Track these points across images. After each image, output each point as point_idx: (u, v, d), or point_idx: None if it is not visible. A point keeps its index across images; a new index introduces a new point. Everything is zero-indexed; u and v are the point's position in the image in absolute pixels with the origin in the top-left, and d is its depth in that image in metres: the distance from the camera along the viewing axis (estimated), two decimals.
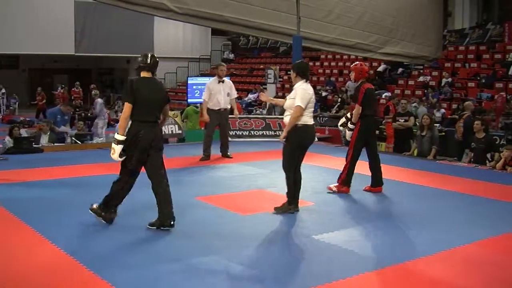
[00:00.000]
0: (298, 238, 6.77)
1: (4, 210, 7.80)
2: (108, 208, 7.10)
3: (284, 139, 7.73)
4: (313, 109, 7.89)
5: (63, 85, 29.78)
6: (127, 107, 6.77)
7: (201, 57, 35.78)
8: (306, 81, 7.79)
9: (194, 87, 16.56)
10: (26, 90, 35.47)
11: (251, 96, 27.32)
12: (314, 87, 26.32)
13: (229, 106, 12.60)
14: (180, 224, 7.16)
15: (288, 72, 24.22)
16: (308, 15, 17.27)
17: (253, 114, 20.33)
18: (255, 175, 10.77)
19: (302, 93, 7.65)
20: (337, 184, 9.33)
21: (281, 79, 26.36)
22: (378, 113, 9.65)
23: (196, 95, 16.39)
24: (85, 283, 5.25)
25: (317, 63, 30.09)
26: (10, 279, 5.31)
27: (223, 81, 12.41)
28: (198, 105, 16.63)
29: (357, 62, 9.51)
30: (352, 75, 9.35)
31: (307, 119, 7.73)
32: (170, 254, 6.04)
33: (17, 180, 9.99)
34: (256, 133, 15.84)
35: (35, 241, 6.52)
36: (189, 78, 18.31)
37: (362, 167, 9.61)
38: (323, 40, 18.22)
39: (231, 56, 36.69)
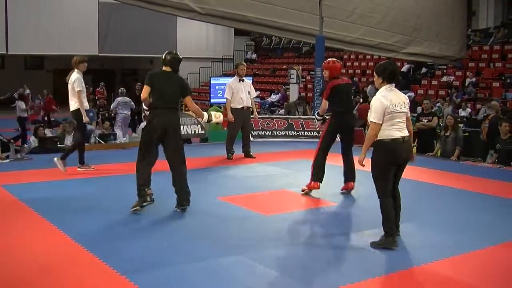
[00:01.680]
0: (321, 239, 6.77)
1: (29, 209, 7.88)
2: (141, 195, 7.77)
3: (363, 163, 6.54)
4: (402, 119, 6.48)
5: (87, 85, 29.91)
6: (145, 88, 7.77)
7: (224, 57, 35.84)
8: (390, 87, 6.50)
9: (217, 87, 16.65)
10: (51, 90, 35.74)
11: (274, 97, 27.33)
12: None
13: (250, 105, 12.66)
14: (203, 224, 7.20)
15: (311, 72, 24.24)
16: (331, 15, 17.27)
17: (275, 114, 20.30)
18: (277, 175, 10.77)
19: (375, 105, 6.42)
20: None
21: (303, 79, 26.36)
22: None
23: (219, 95, 16.46)
24: (109, 282, 5.30)
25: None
26: (36, 277, 5.37)
27: (243, 80, 12.48)
28: (221, 106, 16.68)
29: (329, 60, 9.34)
30: (326, 73, 9.21)
31: (392, 132, 6.40)
32: (193, 253, 6.06)
33: (41, 180, 10.08)
34: (279, 133, 15.82)
35: (59, 240, 6.58)
36: (212, 78, 18.42)
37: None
38: (345, 40, 18.22)
39: (254, 56, 36.72)
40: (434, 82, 24.10)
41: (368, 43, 18.69)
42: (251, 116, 13.05)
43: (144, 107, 8.21)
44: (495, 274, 5.72)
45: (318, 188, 8.99)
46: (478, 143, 14.92)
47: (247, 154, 12.68)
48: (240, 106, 12.38)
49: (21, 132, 17.98)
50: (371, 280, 5.42)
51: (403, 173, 6.65)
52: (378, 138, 6.41)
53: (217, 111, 16.11)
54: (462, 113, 19.18)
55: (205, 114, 8.46)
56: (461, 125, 15.65)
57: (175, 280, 5.34)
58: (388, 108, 6.34)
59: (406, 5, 19.14)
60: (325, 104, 9.03)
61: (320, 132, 15.71)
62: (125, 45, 31.02)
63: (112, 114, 19.51)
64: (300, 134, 15.80)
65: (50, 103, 25.71)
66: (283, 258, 6.04)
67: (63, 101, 14.37)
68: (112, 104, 19.47)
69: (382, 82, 6.52)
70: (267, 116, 17.35)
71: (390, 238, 6.37)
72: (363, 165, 6.49)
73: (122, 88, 20.49)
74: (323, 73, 9.41)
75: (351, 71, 28.54)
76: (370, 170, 6.48)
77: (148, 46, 31.35)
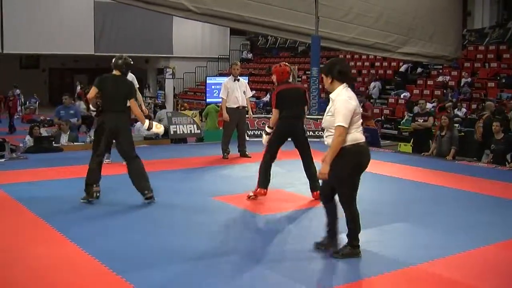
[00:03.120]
0: (316, 238, 6.74)
1: (24, 208, 7.86)
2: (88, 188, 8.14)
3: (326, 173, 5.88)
4: (361, 121, 5.97)
5: (82, 84, 29.94)
6: (92, 89, 8.25)
7: (219, 57, 35.84)
8: (346, 87, 5.95)
9: (213, 86, 16.65)
10: (46, 89, 35.73)
11: (269, 96, 27.33)
12: None
13: (245, 105, 12.66)
14: (198, 223, 7.20)
15: (307, 72, 24.26)
16: (326, 14, 17.29)
17: (271, 114, 20.29)
18: (273, 174, 10.76)
19: (342, 107, 5.75)
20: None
21: (299, 79, 26.35)
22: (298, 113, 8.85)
23: (214, 94, 16.45)
24: (106, 283, 5.28)
25: None
26: (30, 278, 5.36)
27: (238, 80, 12.47)
28: (218, 105, 16.67)
29: (279, 63, 9.22)
30: (274, 77, 8.98)
31: (358, 135, 5.88)
32: (188, 253, 6.06)
33: (37, 179, 10.06)
34: None
35: (55, 239, 6.57)
36: (207, 77, 18.38)
37: (376, 167, 9.56)
38: (341, 39, 18.25)
39: (250, 55, 36.73)
40: (430, 82, 24.11)
41: (363, 43, 18.72)
42: (247, 115, 13.05)
43: (91, 107, 8.59)
44: (491, 274, 5.72)
45: (265, 194, 8.68)
46: (473, 143, 14.94)
47: (243, 154, 12.68)
48: (235, 106, 12.37)
49: None
50: (367, 279, 5.43)
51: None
52: (345, 144, 5.79)
53: (216, 111, 16.24)
54: (457, 112, 19.20)
55: (147, 121, 8.52)
56: (456, 125, 15.66)
57: (170, 279, 5.34)
58: (357, 109, 5.85)
59: (402, 5, 19.17)
60: (276, 113, 8.70)
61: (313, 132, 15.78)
62: (121, 44, 30.94)
63: None
64: None
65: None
66: (278, 258, 6.02)
67: (58, 99, 14.35)
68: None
69: (332, 82, 5.93)
70: (262, 115, 17.33)
71: (357, 250, 6.06)
72: (326, 178, 5.91)
73: None
74: (272, 77, 9.15)
75: None
76: (333, 177, 5.90)
77: (144, 46, 31.34)
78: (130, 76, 11.56)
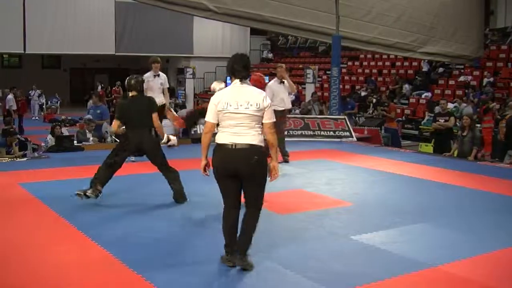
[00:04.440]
0: (336, 238, 6.74)
1: (46, 207, 7.92)
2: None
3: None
4: (236, 121, 5.43)
5: (102, 84, 30.10)
6: (115, 122, 8.45)
7: None
8: (240, 81, 5.64)
9: None
10: (67, 89, 35.94)
11: (290, 96, 27.29)
12: (353, 87, 26.31)
13: (290, 107, 12.28)
14: (218, 223, 7.20)
15: (327, 72, 24.23)
16: (347, 14, 17.25)
17: (291, 114, 20.25)
18: (294, 174, 10.76)
19: (210, 102, 5.62)
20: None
21: (320, 79, 26.31)
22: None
23: None
24: (127, 283, 5.31)
25: (356, 63, 29.95)
26: (48, 276, 5.40)
27: (283, 82, 11.99)
28: None
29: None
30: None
31: (219, 136, 5.54)
32: (208, 252, 6.06)
33: (58, 178, 10.13)
34: (295, 133, 15.77)
35: (74, 238, 6.62)
36: (228, 77, 18.32)
37: (397, 167, 9.50)
38: (362, 39, 18.18)
39: (270, 55, 36.70)
40: (451, 82, 23.97)
41: (384, 42, 18.63)
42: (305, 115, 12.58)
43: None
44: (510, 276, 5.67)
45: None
46: (495, 143, 14.81)
47: (283, 156, 11.99)
48: (281, 108, 11.78)
49: None
50: (387, 280, 5.39)
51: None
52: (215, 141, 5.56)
53: None
54: None
55: (165, 135, 8.90)
56: (478, 125, 15.53)
57: (190, 278, 5.34)
58: (226, 106, 5.45)
59: (423, 4, 19.06)
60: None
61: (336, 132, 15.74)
62: (142, 44, 31.06)
63: None
64: (316, 133, 15.75)
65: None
66: (298, 258, 6.00)
67: (79, 99, 14.45)
68: None
69: (231, 78, 5.73)
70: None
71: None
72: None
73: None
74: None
75: (367, 70, 28.45)
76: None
77: (164, 46, 31.40)
78: (163, 76, 11.76)
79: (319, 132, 15.81)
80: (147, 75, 11.66)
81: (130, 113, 8.24)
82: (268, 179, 5.68)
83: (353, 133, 15.80)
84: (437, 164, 12.13)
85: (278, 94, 11.80)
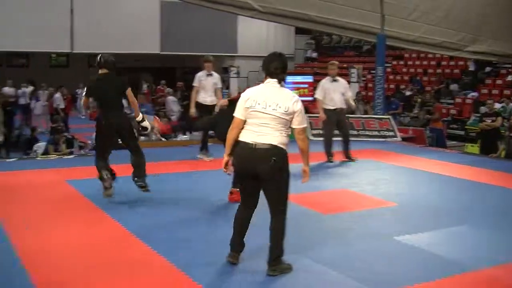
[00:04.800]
0: (380, 239, 6.70)
1: (92, 204, 8.06)
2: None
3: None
4: (261, 121, 5.35)
5: (148, 83, 30.39)
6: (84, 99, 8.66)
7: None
8: (267, 80, 5.49)
9: None
10: None
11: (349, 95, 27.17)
12: (397, 86, 26.02)
13: (345, 106, 11.99)
14: (262, 222, 7.22)
15: (372, 71, 24.08)
16: (392, 13, 17.10)
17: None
18: (338, 174, 10.74)
19: (240, 97, 5.54)
20: None
21: (364, 79, 26.16)
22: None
23: None
24: (172, 280, 5.36)
25: (401, 62, 29.66)
26: (92, 269, 5.50)
27: (336, 80, 11.88)
28: None
29: None
30: None
31: (245, 134, 5.44)
32: (252, 251, 6.08)
33: None
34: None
35: (118, 234, 6.74)
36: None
37: (442, 168, 9.40)
38: (407, 38, 18.01)
39: (314, 54, 36.56)
40: (499, 82, 23.60)
41: (430, 41, 18.41)
42: (350, 115, 12.17)
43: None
44: None
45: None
46: None
47: (347, 157, 11.99)
48: (332, 108, 11.74)
49: None
50: (431, 282, 5.35)
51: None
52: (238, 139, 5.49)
53: None
54: None
55: (140, 114, 8.68)
56: None
57: (234, 278, 5.39)
58: (254, 104, 5.36)
59: (470, 2, 18.79)
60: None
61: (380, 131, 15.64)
62: (186, 43, 31.23)
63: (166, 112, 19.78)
64: (361, 133, 15.65)
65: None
66: (342, 258, 5.99)
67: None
68: (169, 106, 20.01)
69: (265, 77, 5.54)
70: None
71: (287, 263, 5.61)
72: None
73: (169, 88, 20.82)
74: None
75: (412, 70, 28.17)
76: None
77: (209, 45, 31.51)
78: (216, 76, 11.97)
79: (363, 132, 15.71)
80: (200, 74, 11.77)
81: (100, 92, 8.34)
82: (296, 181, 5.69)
83: (397, 133, 15.68)
84: (483, 165, 11.95)
85: (329, 93, 11.72)
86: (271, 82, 5.44)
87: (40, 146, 13.92)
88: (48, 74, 30.22)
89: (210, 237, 6.64)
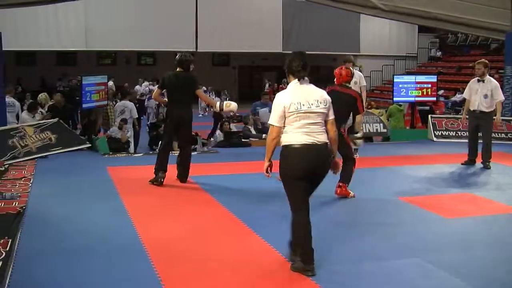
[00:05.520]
0: (503, 246, 6.45)
1: (214, 200, 8.25)
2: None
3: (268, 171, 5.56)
4: (311, 120, 5.40)
5: (269, 82, 30.73)
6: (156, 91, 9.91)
7: (407, 55, 35.18)
8: (299, 81, 5.51)
9: (400, 85, 16.28)
10: (236, 86, 36.98)
11: (458, 96, 26.45)
12: None
13: (487, 110, 11.25)
14: (380, 223, 7.16)
15: (500, 71, 23.22)
16: None
17: (460, 114, 19.64)
18: (460, 177, 10.46)
19: (274, 105, 5.52)
20: None
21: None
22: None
23: (402, 93, 16.11)
24: (291, 280, 5.38)
25: None
26: (218, 268, 5.63)
27: (483, 81, 11.32)
28: (401, 104, 16.44)
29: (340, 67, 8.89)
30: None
31: (293, 137, 5.40)
32: (370, 252, 6.05)
33: (225, 172, 10.51)
34: (464, 134, 15.24)
35: (242, 231, 6.86)
36: (395, 76, 18.04)
37: None
38: None
39: (439, 54, 35.71)
40: None
41: None
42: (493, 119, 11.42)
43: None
44: None
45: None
46: None
47: (484, 163, 11.32)
48: (472, 109, 11.40)
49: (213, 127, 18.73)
50: None
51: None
52: (282, 144, 5.48)
53: (398, 111, 16.03)
54: None
55: (217, 103, 9.55)
56: None
57: (351, 278, 5.37)
58: (296, 105, 5.36)
59: None
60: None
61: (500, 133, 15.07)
62: (308, 42, 31.32)
63: None
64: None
65: None
66: (464, 265, 5.78)
67: (247, 96, 14.81)
68: None
69: (289, 77, 5.63)
70: (451, 116, 16.80)
71: (296, 257, 5.53)
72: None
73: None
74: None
75: None
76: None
77: (330, 44, 31.52)
78: (357, 74, 12.10)
79: (493, 134, 15.16)
80: None
81: (173, 88, 9.27)
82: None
83: None
84: None
85: (472, 94, 11.38)
86: (297, 83, 5.50)
87: None
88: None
89: (324, 238, 6.62)
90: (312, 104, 5.38)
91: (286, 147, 5.39)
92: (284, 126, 5.40)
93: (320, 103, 5.43)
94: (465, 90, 11.73)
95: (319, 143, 5.38)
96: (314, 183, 5.53)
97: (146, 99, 23.79)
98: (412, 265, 5.69)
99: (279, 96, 5.48)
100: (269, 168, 5.52)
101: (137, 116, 15.17)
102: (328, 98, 5.54)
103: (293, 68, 5.50)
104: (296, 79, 5.49)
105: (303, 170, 5.35)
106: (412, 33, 34.83)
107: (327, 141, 5.47)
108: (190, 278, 5.35)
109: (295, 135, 5.37)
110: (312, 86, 5.56)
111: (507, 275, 5.55)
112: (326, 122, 5.52)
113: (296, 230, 5.50)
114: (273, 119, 5.42)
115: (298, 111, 5.34)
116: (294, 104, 5.34)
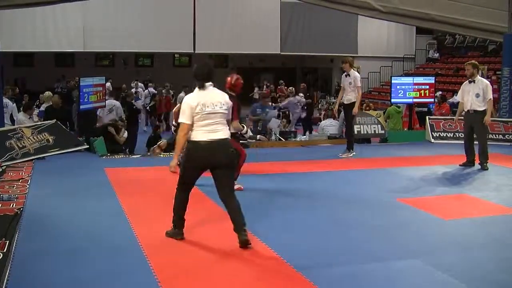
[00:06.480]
0: (502, 248, 6.45)
1: (211, 201, 8.21)
2: None
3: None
4: (214, 120, 6.27)
5: (268, 83, 30.74)
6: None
7: (405, 56, 35.20)
8: (202, 87, 6.42)
9: (398, 87, 16.30)
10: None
11: (456, 97, 26.47)
12: None
13: (479, 109, 11.35)
14: (381, 225, 7.16)
15: (497, 72, 23.26)
16: None
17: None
18: (459, 179, 10.46)
19: (183, 105, 6.35)
20: None
21: (489, 80, 25.30)
22: None
23: (399, 95, 16.13)
24: (289, 280, 5.38)
25: None
26: (220, 279, 5.61)
27: (474, 81, 11.45)
28: (400, 106, 16.47)
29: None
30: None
31: (198, 134, 6.24)
32: (370, 254, 6.05)
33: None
34: (461, 135, 15.23)
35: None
36: (393, 77, 18.05)
37: None
38: None
39: (436, 55, 35.72)
40: None
41: None
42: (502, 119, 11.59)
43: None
44: None
45: None
46: None
47: (481, 164, 11.39)
48: (465, 109, 11.53)
49: None
50: None
51: None
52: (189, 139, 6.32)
53: (396, 112, 16.06)
54: None
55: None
56: None
57: (351, 279, 5.35)
58: (203, 107, 6.25)
59: None
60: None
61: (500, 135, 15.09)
62: (306, 44, 31.39)
63: (287, 113, 19.86)
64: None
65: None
66: (464, 266, 5.78)
67: (245, 98, 14.78)
68: (283, 103, 20.22)
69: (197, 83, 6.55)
70: (448, 117, 16.81)
71: (177, 230, 6.54)
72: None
73: (291, 87, 21.20)
74: None
75: None
76: None
77: (328, 45, 31.53)
78: (353, 75, 12.39)
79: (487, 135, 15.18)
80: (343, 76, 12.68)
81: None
82: None
83: None
84: None
85: (465, 95, 11.54)
86: (204, 86, 6.44)
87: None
88: (171, 73, 31.26)
89: (332, 244, 6.62)
90: (216, 106, 6.30)
91: (192, 142, 6.25)
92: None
93: (223, 105, 6.38)
94: (458, 93, 11.92)
95: (219, 139, 6.22)
96: (220, 173, 6.30)
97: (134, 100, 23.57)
98: (412, 266, 5.69)
99: (188, 98, 6.38)
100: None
101: (122, 115, 15.24)
102: (229, 101, 6.53)
103: (197, 77, 6.47)
104: (198, 87, 6.41)
105: (203, 162, 6.27)
106: (410, 34, 34.85)
107: (228, 136, 6.34)
108: (188, 278, 5.36)
109: (199, 132, 6.22)
110: (216, 90, 6.53)
111: (505, 276, 5.55)
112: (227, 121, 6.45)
113: (179, 202, 6.51)
114: (184, 118, 6.23)
115: (202, 112, 6.21)
116: (199, 106, 6.22)
